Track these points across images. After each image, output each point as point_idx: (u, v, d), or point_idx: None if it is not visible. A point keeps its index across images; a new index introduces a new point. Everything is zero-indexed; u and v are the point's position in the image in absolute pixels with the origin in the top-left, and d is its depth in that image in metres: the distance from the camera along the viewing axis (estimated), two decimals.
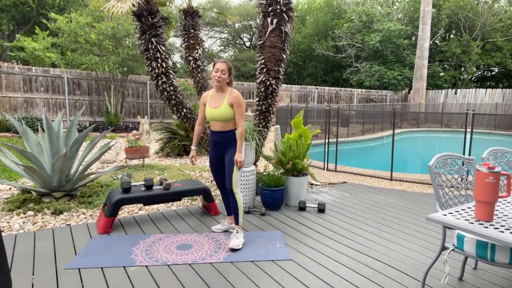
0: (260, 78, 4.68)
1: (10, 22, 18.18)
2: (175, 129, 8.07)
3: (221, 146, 3.20)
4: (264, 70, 4.61)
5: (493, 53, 21.05)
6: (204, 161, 7.35)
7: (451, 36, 23.76)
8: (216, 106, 3.12)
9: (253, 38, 27.20)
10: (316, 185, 5.62)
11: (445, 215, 2.07)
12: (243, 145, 3.14)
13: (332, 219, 3.98)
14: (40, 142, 4.43)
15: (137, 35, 4.94)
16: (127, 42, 12.51)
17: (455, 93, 19.74)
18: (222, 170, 3.29)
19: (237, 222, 3.24)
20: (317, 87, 19.23)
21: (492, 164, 2.09)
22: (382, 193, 5.19)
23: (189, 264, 2.83)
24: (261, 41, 4.63)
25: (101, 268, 2.74)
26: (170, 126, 8.42)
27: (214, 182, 5.47)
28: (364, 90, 20.49)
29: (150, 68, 4.88)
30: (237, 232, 3.20)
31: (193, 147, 3.35)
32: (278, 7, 4.45)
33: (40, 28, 14.73)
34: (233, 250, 3.06)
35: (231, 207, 3.27)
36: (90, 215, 3.94)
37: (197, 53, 5.39)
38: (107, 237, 3.34)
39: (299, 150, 4.50)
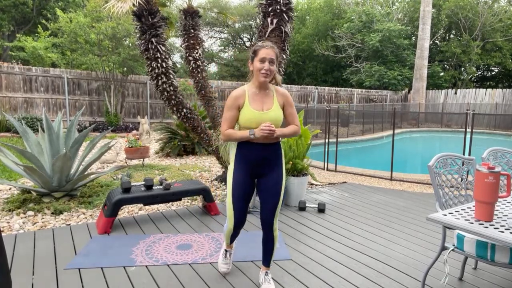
0: None
1: (10, 22, 18.19)
2: (175, 129, 8.07)
3: (263, 164, 2.34)
4: None
5: (493, 53, 21.06)
6: (203, 161, 7.34)
7: (451, 36, 23.77)
8: (266, 108, 2.29)
9: (253, 38, 27.20)
10: (316, 185, 5.61)
11: (445, 215, 2.07)
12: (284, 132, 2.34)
13: (332, 219, 3.98)
14: (40, 142, 4.43)
15: (137, 35, 4.94)
16: (127, 42, 12.52)
17: (455, 93, 19.75)
18: (248, 201, 2.44)
19: (269, 264, 2.53)
20: (317, 87, 19.22)
21: (492, 164, 2.09)
22: (382, 193, 5.19)
23: (189, 264, 2.83)
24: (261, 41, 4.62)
25: (101, 268, 2.74)
26: (170, 126, 8.42)
27: (214, 182, 5.47)
28: (364, 90, 20.49)
29: (150, 68, 4.88)
30: (266, 275, 2.51)
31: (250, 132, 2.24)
32: (278, 7, 4.45)
33: (41, 28, 14.75)
34: None
35: (265, 247, 2.47)
36: (90, 215, 3.94)
37: (197, 53, 5.38)
38: (107, 237, 3.34)
39: (299, 150, 4.50)
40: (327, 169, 6.86)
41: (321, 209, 4.22)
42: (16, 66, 11.63)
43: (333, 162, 6.87)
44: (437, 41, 23.59)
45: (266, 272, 2.53)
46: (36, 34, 14.74)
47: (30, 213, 3.87)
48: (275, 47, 2.29)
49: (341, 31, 21.75)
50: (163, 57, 4.86)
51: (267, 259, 2.51)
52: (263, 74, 2.24)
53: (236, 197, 2.36)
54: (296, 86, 18.65)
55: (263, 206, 2.40)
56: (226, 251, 2.74)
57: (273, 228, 2.41)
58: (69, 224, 3.67)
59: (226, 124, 2.31)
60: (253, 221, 3.84)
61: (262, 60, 2.23)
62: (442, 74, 22.05)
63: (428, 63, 19.35)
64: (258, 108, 2.29)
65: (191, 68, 5.40)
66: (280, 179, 2.38)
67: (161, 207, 4.30)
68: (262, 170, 2.37)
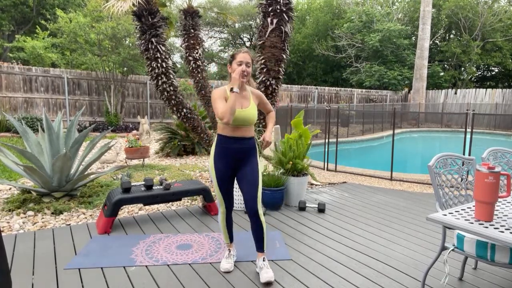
0: (260, 78, 4.68)
1: (10, 22, 18.19)
2: (175, 129, 8.07)
3: (240, 156, 2.60)
4: (264, 70, 4.61)
5: (493, 53, 21.06)
6: (203, 161, 7.34)
7: (451, 36, 23.77)
8: (244, 106, 2.55)
9: (253, 38, 27.19)
10: (316, 185, 5.61)
11: (445, 215, 2.07)
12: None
13: (332, 219, 3.98)
14: (40, 142, 4.43)
15: (137, 35, 4.94)
16: (127, 42, 12.52)
17: (455, 93, 19.75)
18: (231, 186, 2.72)
19: (263, 249, 2.68)
20: (317, 87, 19.23)
21: (492, 164, 2.09)
22: (382, 193, 5.19)
23: (189, 264, 2.83)
24: (261, 41, 4.63)
25: (101, 268, 2.74)
26: (170, 126, 8.42)
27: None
28: (364, 90, 20.49)
29: (150, 68, 4.88)
30: (263, 261, 2.66)
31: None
32: (278, 7, 4.45)
33: (40, 28, 14.75)
34: (269, 283, 2.55)
35: (255, 234, 2.63)
36: (90, 215, 3.94)
37: (197, 53, 5.39)
38: (107, 237, 3.34)
39: (299, 150, 4.50)
40: (327, 169, 6.86)
41: (321, 209, 4.22)
42: (16, 66, 11.63)
43: (333, 162, 6.87)
44: (437, 41, 23.59)
45: (263, 258, 2.66)
46: (35, 35, 14.73)
47: (30, 213, 3.87)
48: (250, 52, 2.59)
49: (341, 31, 21.75)
50: (163, 57, 4.86)
51: (260, 245, 2.66)
52: (240, 75, 2.49)
53: (223, 189, 2.66)
54: (296, 86, 18.65)
55: (245, 196, 2.59)
56: (229, 250, 2.84)
57: (259, 214, 2.58)
58: (69, 224, 3.67)
59: (220, 108, 2.46)
60: None
61: (240, 63, 2.51)
62: (442, 74, 22.06)
63: (428, 63, 19.35)
64: (237, 106, 2.52)
65: (191, 68, 5.41)
66: (256, 168, 2.63)
67: (161, 207, 4.30)
68: (240, 163, 2.63)
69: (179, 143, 7.84)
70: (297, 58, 23.93)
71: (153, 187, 3.83)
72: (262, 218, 2.61)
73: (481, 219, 2.00)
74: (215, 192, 2.70)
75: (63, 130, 4.54)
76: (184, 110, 5.08)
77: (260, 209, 2.59)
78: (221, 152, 2.60)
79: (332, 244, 3.30)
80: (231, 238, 2.84)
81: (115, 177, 5.55)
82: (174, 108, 5.06)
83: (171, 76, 4.95)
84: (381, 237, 3.49)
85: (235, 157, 2.60)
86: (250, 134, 2.62)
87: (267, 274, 2.55)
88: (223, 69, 25.36)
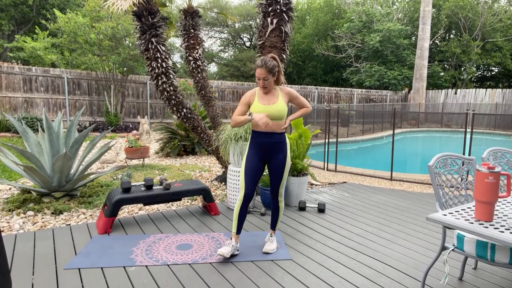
0: None
1: (10, 22, 18.18)
2: (175, 129, 8.07)
3: (270, 150, 2.92)
4: None
5: (493, 53, 21.05)
6: (203, 161, 7.35)
7: (451, 36, 23.76)
8: (271, 103, 2.87)
9: (253, 38, 27.20)
10: (316, 185, 5.62)
11: (445, 215, 2.07)
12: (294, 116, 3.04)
13: (332, 219, 3.98)
14: (40, 142, 4.43)
15: (137, 35, 4.94)
16: (127, 42, 12.51)
17: (455, 93, 19.74)
18: (257, 176, 2.96)
19: (274, 228, 3.17)
20: (317, 87, 19.22)
21: (492, 164, 2.09)
22: (382, 193, 5.19)
23: (189, 264, 2.83)
24: (261, 41, 4.62)
25: (101, 268, 2.74)
26: (170, 126, 8.42)
27: (214, 182, 5.47)
28: (364, 90, 20.48)
29: (150, 68, 4.88)
30: (271, 236, 3.14)
31: (249, 116, 2.86)
32: (278, 7, 4.45)
33: (40, 29, 14.74)
34: (266, 253, 3.03)
35: (273, 214, 3.12)
36: (90, 215, 3.94)
37: (197, 53, 5.38)
38: (107, 237, 3.34)
39: (299, 150, 4.50)
40: (327, 169, 6.86)
41: (321, 209, 4.22)
42: (16, 66, 11.62)
43: (333, 162, 6.87)
44: (437, 41, 23.58)
45: (271, 234, 3.15)
46: (35, 36, 14.72)
47: (30, 213, 3.87)
48: (267, 64, 2.80)
49: (341, 31, 21.74)
50: (163, 57, 4.86)
51: (273, 224, 3.16)
52: (261, 88, 2.91)
53: (248, 174, 2.90)
54: (296, 86, 18.64)
55: (271, 180, 3.01)
56: (231, 238, 2.97)
57: (279, 193, 3.06)
58: (69, 224, 3.67)
59: (235, 114, 2.91)
60: (254, 221, 3.84)
61: (258, 78, 2.85)
62: (442, 74, 22.05)
63: (428, 63, 19.35)
64: (265, 103, 2.89)
65: (191, 68, 5.40)
66: (284, 161, 2.96)
67: (161, 207, 4.30)
68: (271, 156, 2.95)
69: (179, 143, 7.84)
70: (297, 58, 23.92)
71: (153, 187, 3.83)
72: (281, 204, 3.10)
73: (481, 219, 2.00)
74: (240, 182, 2.96)
75: (63, 130, 4.54)
76: (184, 110, 5.08)
77: (282, 195, 3.07)
78: (252, 145, 2.95)
79: (332, 244, 3.30)
80: (239, 229, 2.96)
81: (115, 177, 5.55)
82: (174, 108, 5.06)
83: (171, 76, 4.95)
84: (381, 237, 3.49)
85: (265, 151, 2.92)
86: (280, 129, 2.91)
87: (268, 247, 3.05)
88: (223, 69, 25.37)
